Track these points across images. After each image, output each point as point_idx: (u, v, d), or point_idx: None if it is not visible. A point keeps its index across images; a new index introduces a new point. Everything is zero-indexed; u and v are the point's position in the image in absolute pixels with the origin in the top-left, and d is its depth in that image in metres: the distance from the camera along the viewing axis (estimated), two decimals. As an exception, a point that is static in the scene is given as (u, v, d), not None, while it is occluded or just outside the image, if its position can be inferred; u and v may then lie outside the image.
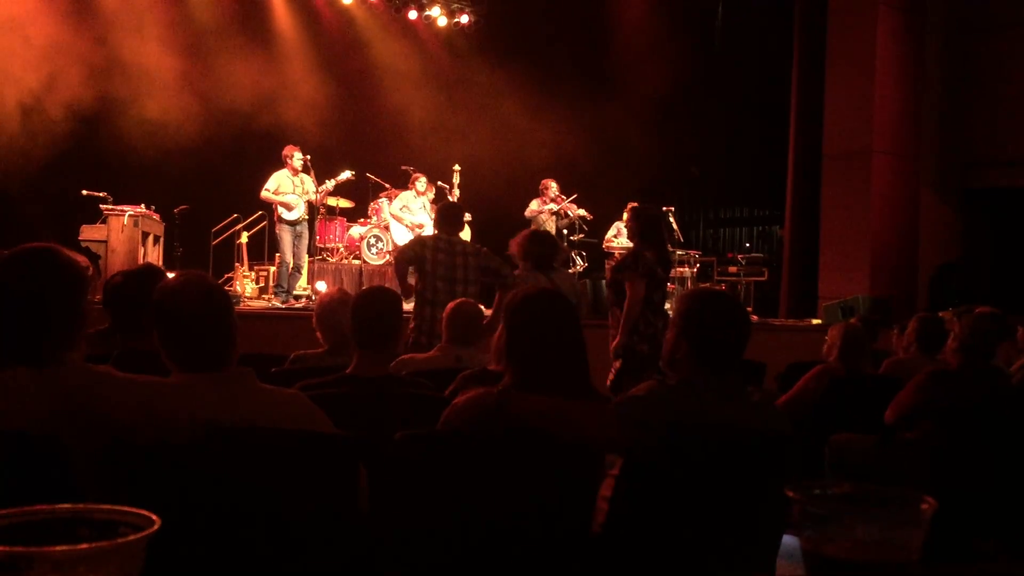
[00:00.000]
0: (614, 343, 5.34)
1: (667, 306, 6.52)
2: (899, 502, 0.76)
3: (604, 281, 6.14)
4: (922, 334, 4.89)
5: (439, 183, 10.28)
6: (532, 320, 2.45)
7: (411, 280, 5.86)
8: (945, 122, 12.04)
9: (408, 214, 10.11)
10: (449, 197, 10.13)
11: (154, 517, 0.65)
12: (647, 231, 5.58)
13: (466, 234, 10.36)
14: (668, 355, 2.54)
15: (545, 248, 5.82)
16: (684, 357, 2.46)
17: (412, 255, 5.83)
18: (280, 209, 8.85)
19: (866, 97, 11.18)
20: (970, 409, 3.55)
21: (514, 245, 5.89)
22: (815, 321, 10.23)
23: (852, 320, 5.80)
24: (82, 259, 2.10)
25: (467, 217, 10.12)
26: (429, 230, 9.83)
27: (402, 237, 10.04)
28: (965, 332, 3.99)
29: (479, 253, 5.84)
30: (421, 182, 10.14)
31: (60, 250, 2.06)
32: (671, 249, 10.84)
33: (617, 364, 5.34)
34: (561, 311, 2.50)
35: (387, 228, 10.30)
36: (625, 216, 11.08)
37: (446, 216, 6.14)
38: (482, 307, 4.96)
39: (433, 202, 10.17)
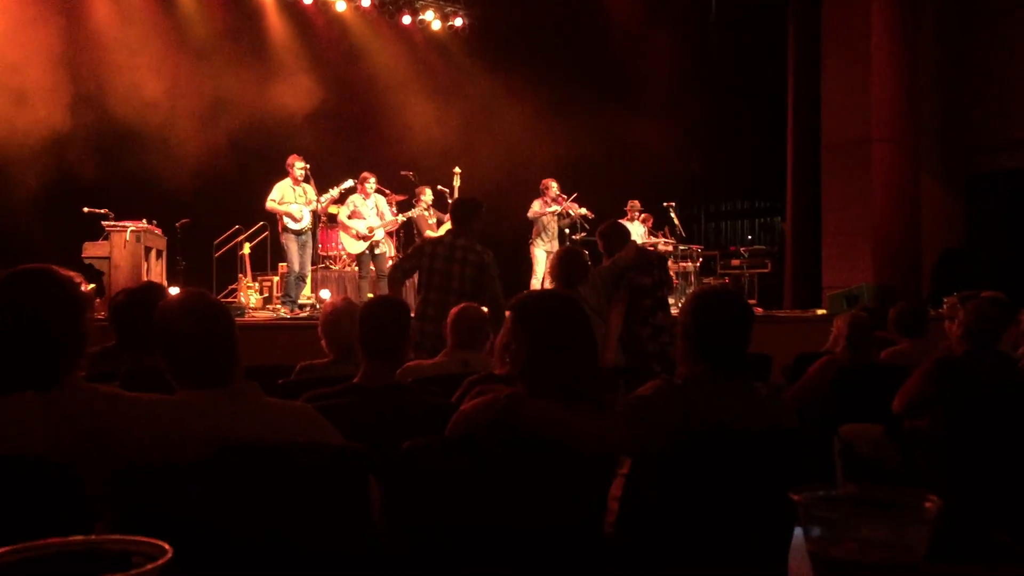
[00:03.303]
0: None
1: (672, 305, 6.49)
2: (904, 501, 0.77)
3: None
4: (906, 321, 4.99)
5: (439, 187, 10.25)
6: (540, 324, 2.44)
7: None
8: (945, 107, 12.01)
9: (357, 221, 9.42)
10: (449, 201, 10.07)
11: (166, 546, 0.66)
12: (615, 246, 5.53)
13: None
14: (677, 353, 2.56)
15: (569, 266, 5.34)
16: (684, 355, 2.47)
17: (409, 267, 5.44)
18: (285, 219, 8.86)
19: (863, 85, 11.16)
20: (979, 396, 3.54)
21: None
22: (820, 311, 10.21)
23: (857, 309, 5.80)
24: (79, 277, 2.09)
25: None
26: (380, 234, 9.46)
27: (353, 247, 9.52)
28: (970, 318, 3.97)
29: (474, 262, 5.23)
30: (371, 183, 9.51)
31: (56, 270, 2.06)
32: (664, 245, 10.93)
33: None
34: (569, 315, 2.48)
35: (390, 234, 10.13)
36: (627, 215, 11.11)
37: (453, 214, 5.69)
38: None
39: (399, 204, 9.87)
